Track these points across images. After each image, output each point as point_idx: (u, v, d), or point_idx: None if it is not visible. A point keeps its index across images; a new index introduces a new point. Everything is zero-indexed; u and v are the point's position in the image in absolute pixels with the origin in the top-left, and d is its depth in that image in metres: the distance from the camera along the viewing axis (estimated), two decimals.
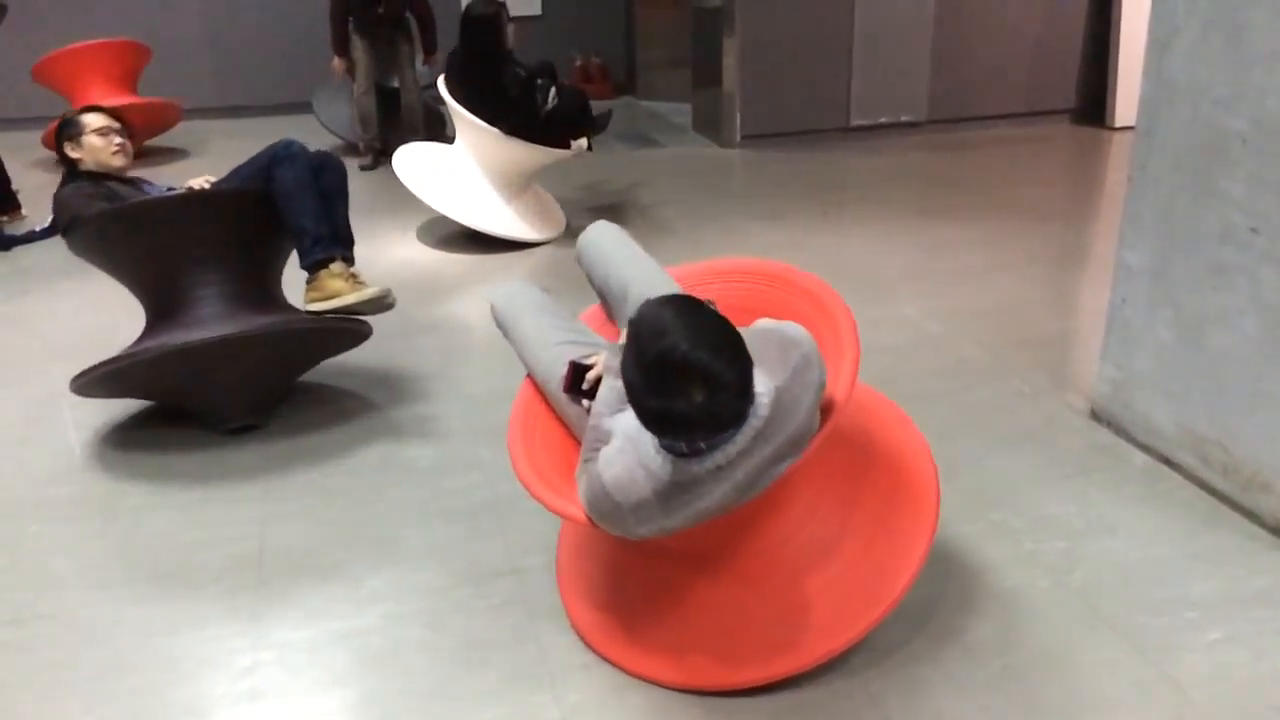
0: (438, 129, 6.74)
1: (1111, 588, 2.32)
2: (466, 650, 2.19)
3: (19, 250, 5.24)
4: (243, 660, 2.19)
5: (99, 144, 3.25)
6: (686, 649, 2.07)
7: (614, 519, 1.86)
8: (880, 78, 7.14)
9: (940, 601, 2.27)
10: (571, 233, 5.18)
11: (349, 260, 3.24)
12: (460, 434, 3.16)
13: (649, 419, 1.75)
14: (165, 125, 7.36)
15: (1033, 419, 3.13)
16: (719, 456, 1.77)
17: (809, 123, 7.13)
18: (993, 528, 2.56)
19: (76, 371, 2.95)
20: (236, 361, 3.03)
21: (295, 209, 3.10)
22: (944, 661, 2.10)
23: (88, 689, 2.12)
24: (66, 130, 3.28)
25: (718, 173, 6.59)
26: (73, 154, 3.26)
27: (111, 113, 3.36)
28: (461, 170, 5.06)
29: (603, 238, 2.50)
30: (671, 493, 1.79)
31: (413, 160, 5.09)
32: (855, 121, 7.21)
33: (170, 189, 3.29)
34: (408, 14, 6.56)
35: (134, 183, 3.33)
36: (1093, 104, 7.38)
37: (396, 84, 6.72)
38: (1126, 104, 6.96)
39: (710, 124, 7.36)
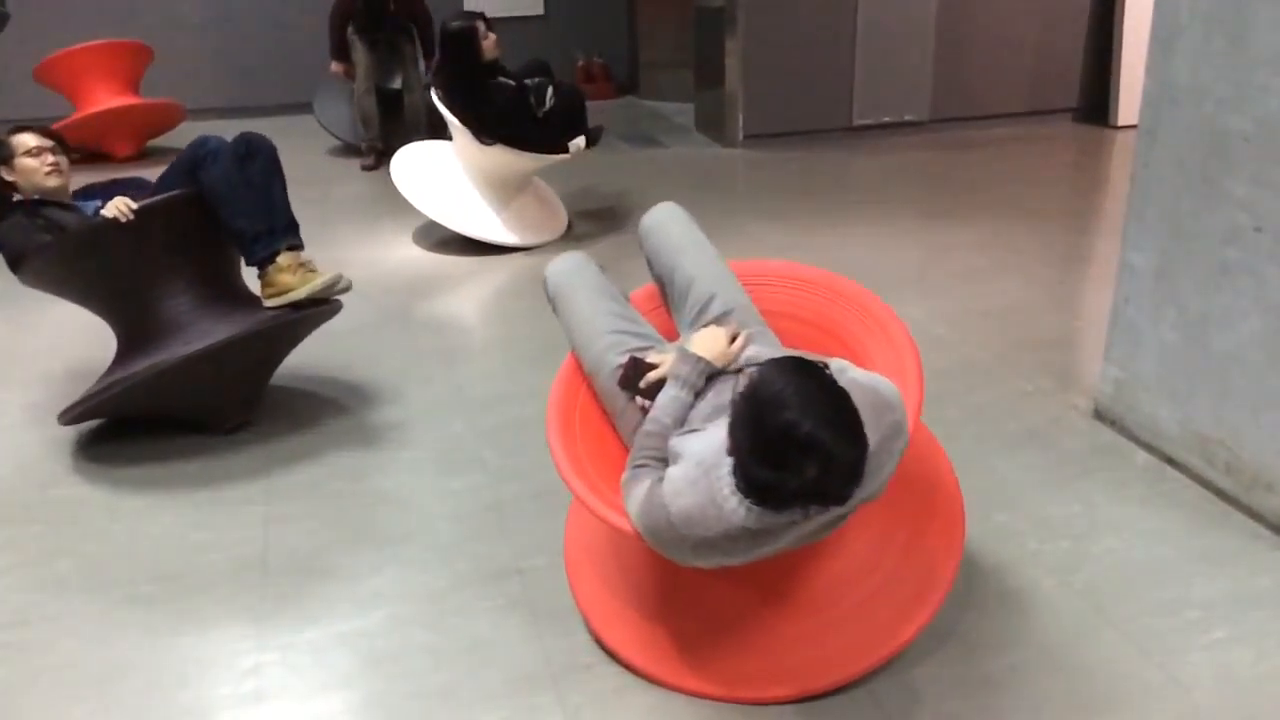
0: (441, 127, 6.72)
1: (1115, 588, 2.32)
2: (470, 651, 2.20)
3: None
4: (247, 661, 2.20)
5: (32, 165, 3.09)
6: (718, 659, 2.05)
7: (673, 548, 1.81)
8: (883, 77, 7.13)
9: (944, 600, 2.26)
10: (573, 234, 5.20)
11: (296, 247, 3.14)
12: (462, 434, 3.16)
13: (753, 487, 1.67)
14: (169, 125, 7.36)
15: (1037, 419, 3.13)
16: (798, 514, 1.71)
17: (812, 122, 7.12)
18: (997, 528, 2.56)
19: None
20: (227, 365, 3.03)
21: (227, 212, 3.02)
22: (947, 661, 2.10)
23: (92, 691, 2.13)
24: None
25: (720, 173, 6.59)
26: (7, 177, 3.11)
27: (45, 132, 3.19)
28: (456, 177, 5.08)
29: (670, 223, 2.40)
30: (741, 537, 1.73)
31: (410, 166, 5.11)
32: (858, 121, 7.20)
33: (99, 208, 2.99)
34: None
35: (69, 207, 3.14)
36: (1095, 104, 7.36)
37: (397, 86, 6.73)
38: (1129, 103, 6.94)
39: (713, 124, 7.36)
